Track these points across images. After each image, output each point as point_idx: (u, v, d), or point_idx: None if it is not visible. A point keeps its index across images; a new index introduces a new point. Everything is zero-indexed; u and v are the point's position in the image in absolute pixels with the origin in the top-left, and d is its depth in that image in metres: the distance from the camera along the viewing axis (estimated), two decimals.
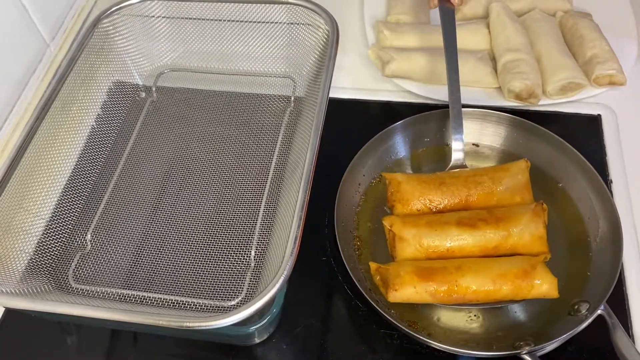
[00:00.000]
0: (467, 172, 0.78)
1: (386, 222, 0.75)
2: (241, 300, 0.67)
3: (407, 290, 0.68)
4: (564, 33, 0.94)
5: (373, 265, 0.73)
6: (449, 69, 0.81)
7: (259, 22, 0.86)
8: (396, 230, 0.73)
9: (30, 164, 0.72)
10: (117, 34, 0.87)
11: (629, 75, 0.89)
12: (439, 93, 0.89)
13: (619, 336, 0.64)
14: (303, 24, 0.84)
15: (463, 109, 0.82)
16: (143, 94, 0.89)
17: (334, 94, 0.89)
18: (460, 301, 0.69)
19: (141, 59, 0.90)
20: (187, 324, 0.56)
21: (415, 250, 0.72)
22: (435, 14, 1.00)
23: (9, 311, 0.75)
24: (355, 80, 0.95)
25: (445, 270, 0.69)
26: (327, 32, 0.81)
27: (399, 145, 0.83)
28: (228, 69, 0.89)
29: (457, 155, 0.80)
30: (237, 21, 0.84)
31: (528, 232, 0.71)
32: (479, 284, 0.68)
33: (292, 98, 0.86)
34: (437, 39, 0.94)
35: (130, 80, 0.90)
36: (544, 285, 0.68)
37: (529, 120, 0.81)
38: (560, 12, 0.97)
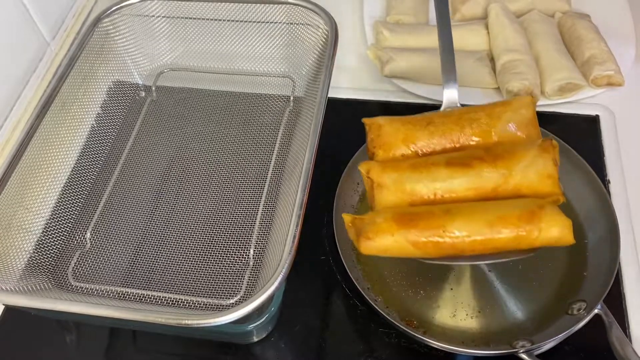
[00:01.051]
0: (460, 110, 0.68)
1: (362, 168, 0.64)
2: (240, 299, 0.67)
3: (383, 240, 0.58)
4: (562, 34, 0.95)
5: (347, 217, 0.63)
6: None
7: (259, 22, 0.86)
8: (374, 176, 0.62)
9: (30, 163, 0.73)
10: (117, 34, 0.87)
11: (627, 76, 0.89)
12: (438, 93, 0.89)
13: (616, 335, 0.64)
14: (302, 24, 0.84)
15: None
16: (143, 94, 0.89)
17: (333, 93, 0.89)
18: (451, 252, 0.57)
19: (141, 59, 0.90)
20: (186, 322, 0.56)
21: (396, 197, 0.61)
22: (434, 14, 1.01)
23: (8, 309, 0.75)
24: (354, 80, 0.95)
25: (431, 215, 0.58)
26: (326, 32, 0.81)
27: None
28: (228, 69, 0.90)
29: (449, 95, 0.70)
30: (237, 21, 0.84)
31: (534, 169, 0.60)
32: (472, 230, 0.56)
33: (291, 98, 0.86)
34: (437, 40, 0.94)
35: (130, 80, 0.90)
36: (555, 229, 0.56)
37: None
38: (559, 13, 0.97)
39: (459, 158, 0.61)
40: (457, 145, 0.64)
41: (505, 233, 0.56)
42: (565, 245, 0.57)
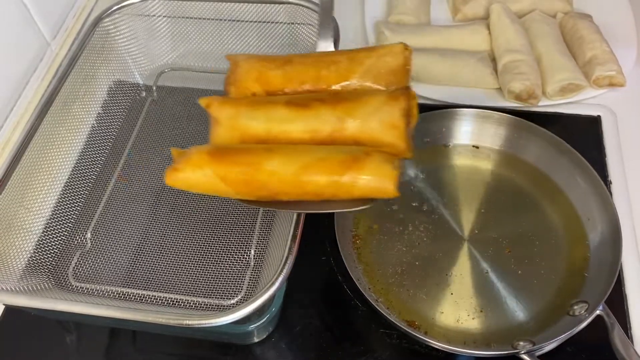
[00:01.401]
0: (323, 53, 0.64)
1: (202, 102, 0.60)
2: (240, 299, 0.67)
3: (192, 173, 0.54)
4: (564, 34, 0.95)
5: (174, 151, 0.58)
6: None
7: (260, 21, 0.86)
8: (212, 111, 0.59)
9: (30, 163, 0.72)
10: (118, 33, 0.87)
11: (628, 76, 0.89)
12: (439, 93, 0.90)
13: (618, 336, 0.64)
14: (303, 24, 0.84)
15: (463, 109, 0.83)
16: (144, 93, 0.89)
17: None
18: (264, 193, 0.53)
19: (142, 58, 0.90)
20: (187, 322, 0.56)
21: (229, 134, 0.58)
22: (436, 14, 1.01)
23: (8, 310, 0.75)
24: None
25: (249, 151, 0.54)
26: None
27: None
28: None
29: (323, 47, 0.66)
30: (238, 20, 0.84)
31: (377, 117, 0.54)
32: (286, 170, 0.52)
33: None
34: (438, 40, 0.94)
35: (131, 80, 0.90)
36: (375, 178, 0.51)
37: (529, 121, 0.81)
38: (561, 14, 0.97)
39: (300, 99, 0.57)
40: (311, 89, 0.59)
41: (320, 177, 0.52)
42: (387, 197, 0.52)
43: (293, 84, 0.60)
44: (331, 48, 0.67)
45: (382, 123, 0.54)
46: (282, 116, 0.55)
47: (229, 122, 0.57)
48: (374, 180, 0.51)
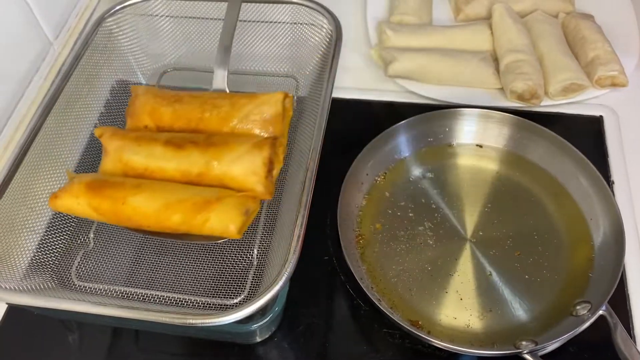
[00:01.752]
0: (211, 94, 0.69)
1: (96, 132, 0.67)
2: (243, 299, 0.67)
3: (68, 200, 0.60)
4: (566, 34, 0.95)
5: (68, 173, 0.67)
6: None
7: (262, 21, 0.87)
8: (104, 141, 0.65)
9: (33, 162, 0.72)
10: (121, 33, 0.87)
11: (631, 76, 0.89)
12: (441, 93, 0.90)
13: (621, 336, 0.64)
14: (306, 24, 0.84)
15: (465, 109, 0.83)
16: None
17: (337, 94, 0.89)
18: (128, 223, 0.60)
19: (144, 58, 0.90)
20: (190, 321, 0.57)
21: (114, 165, 0.64)
22: (438, 15, 1.01)
23: (11, 309, 0.75)
24: (358, 81, 0.95)
25: (120, 186, 0.60)
26: (330, 32, 0.81)
27: (402, 145, 0.83)
28: (231, 69, 0.89)
29: (217, 84, 0.70)
30: (241, 20, 0.84)
31: (240, 164, 0.61)
32: (149, 206, 0.58)
33: (295, 98, 0.86)
34: (440, 40, 0.95)
35: (134, 79, 0.90)
36: (220, 223, 0.57)
37: (532, 121, 0.81)
38: (563, 14, 0.97)
39: (178, 139, 0.62)
40: (195, 128, 0.65)
41: (176, 216, 0.57)
42: (232, 238, 0.58)
43: (180, 121, 0.65)
44: (224, 77, 0.72)
45: (244, 169, 0.61)
46: (159, 154, 0.61)
47: (116, 154, 0.63)
48: (219, 223, 0.57)
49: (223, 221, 0.57)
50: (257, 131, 0.64)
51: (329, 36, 0.81)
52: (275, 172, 0.63)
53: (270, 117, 0.65)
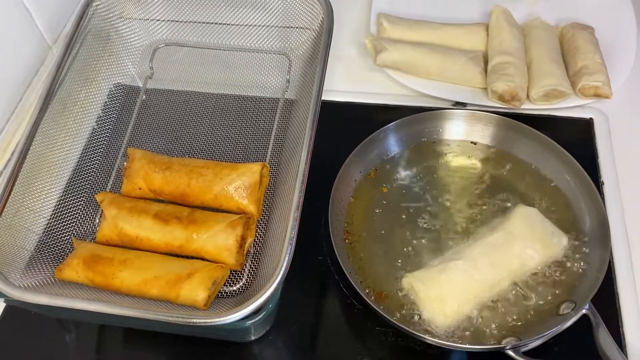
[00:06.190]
0: (198, 162, 0.77)
1: (98, 197, 0.76)
2: (239, 299, 0.69)
3: (70, 274, 0.69)
4: (562, 43, 0.95)
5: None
6: None
7: (257, 25, 0.88)
8: (103, 207, 0.74)
9: (32, 164, 0.74)
10: (118, 37, 0.88)
11: (624, 81, 0.90)
12: (427, 86, 0.91)
13: (602, 335, 0.65)
14: (300, 12, 0.85)
15: (457, 111, 0.84)
16: (144, 96, 0.90)
17: (329, 96, 0.90)
18: (118, 292, 0.69)
19: (141, 61, 0.91)
20: (194, 320, 0.59)
21: (110, 231, 0.72)
22: (437, 13, 1.01)
23: (8, 308, 0.76)
24: (352, 79, 0.96)
25: (109, 262, 0.69)
26: (322, 20, 0.82)
27: (394, 144, 0.84)
28: (224, 45, 0.91)
29: None
30: (238, 24, 0.85)
31: (214, 241, 0.70)
32: (132, 281, 0.67)
33: (283, 99, 0.87)
34: (435, 36, 0.95)
35: (130, 83, 0.91)
36: (189, 296, 0.66)
37: (522, 122, 0.82)
38: (563, 23, 0.97)
39: (165, 213, 0.72)
40: (183, 192, 0.74)
41: (154, 290, 0.67)
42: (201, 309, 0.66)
43: (170, 186, 0.74)
44: None
45: (217, 246, 0.70)
46: (148, 227, 0.71)
47: (112, 220, 0.72)
48: (188, 298, 0.65)
49: (191, 297, 0.65)
50: (236, 197, 0.73)
51: (321, 24, 0.82)
52: (247, 244, 0.72)
53: (248, 185, 0.73)
